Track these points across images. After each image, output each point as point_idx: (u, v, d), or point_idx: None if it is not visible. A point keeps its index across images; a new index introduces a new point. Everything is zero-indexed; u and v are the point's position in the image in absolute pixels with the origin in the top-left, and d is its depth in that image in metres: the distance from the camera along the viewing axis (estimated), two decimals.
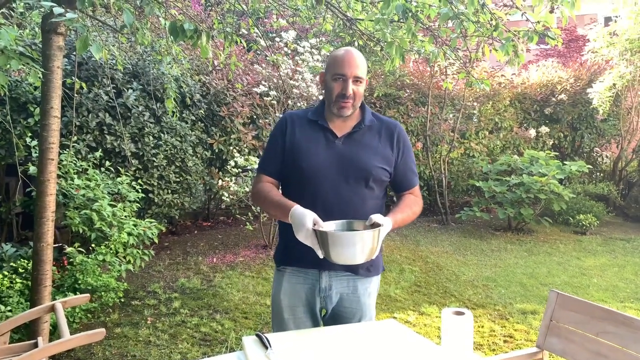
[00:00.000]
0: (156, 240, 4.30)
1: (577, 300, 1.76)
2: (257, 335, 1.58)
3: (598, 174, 9.43)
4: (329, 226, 1.62)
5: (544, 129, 8.80)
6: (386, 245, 6.05)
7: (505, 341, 3.56)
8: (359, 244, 1.50)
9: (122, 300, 3.66)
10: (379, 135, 1.84)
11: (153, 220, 4.31)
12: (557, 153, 7.87)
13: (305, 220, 1.57)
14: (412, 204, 1.86)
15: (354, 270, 1.82)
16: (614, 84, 7.84)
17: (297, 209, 1.62)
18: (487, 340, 3.57)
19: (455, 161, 8.19)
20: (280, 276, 1.88)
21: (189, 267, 5.08)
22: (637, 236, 7.04)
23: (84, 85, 4.54)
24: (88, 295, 2.24)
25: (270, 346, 1.50)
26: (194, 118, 6.09)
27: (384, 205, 1.91)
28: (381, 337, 1.65)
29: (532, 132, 8.73)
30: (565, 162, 7.11)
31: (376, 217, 1.62)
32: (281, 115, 1.93)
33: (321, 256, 1.56)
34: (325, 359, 1.46)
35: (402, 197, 1.90)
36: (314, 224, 1.57)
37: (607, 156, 9.67)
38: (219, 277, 4.80)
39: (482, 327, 3.81)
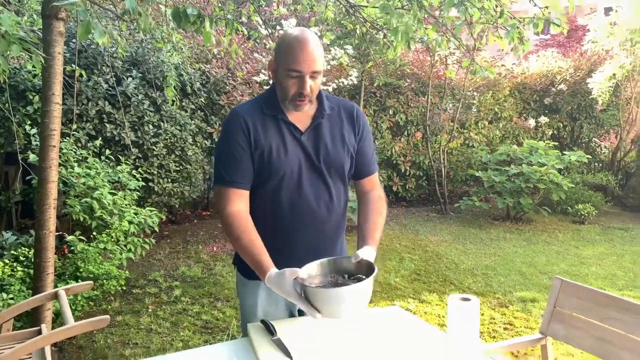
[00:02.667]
0: (157, 229, 4.30)
1: (581, 287, 1.77)
2: (262, 322, 1.59)
3: (596, 164, 9.44)
4: (311, 269, 1.47)
5: (544, 119, 8.79)
6: (385, 234, 6.07)
7: (505, 329, 3.59)
8: (350, 298, 1.35)
9: (124, 288, 3.66)
10: (341, 121, 1.67)
11: (153, 209, 4.31)
12: (556, 143, 7.87)
13: (285, 287, 1.38)
14: (380, 208, 1.68)
15: None
16: (614, 74, 7.83)
17: (272, 277, 1.43)
18: (487, 328, 3.59)
19: (455, 151, 8.19)
20: (255, 289, 1.68)
21: (189, 256, 5.08)
22: (635, 225, 7.06)
23: (83, 73, 4.51)
24: (91, 282, 2.24)
25: (276, 332, 1.50)
26: (193, 107, 6.07)
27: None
28: (386, 324, 1.66)
29: (532, 122, 8.73)
30: (564, 152, 7.12)
31: (362, 253, 1.47)
32: (230, 113, 1.64)
33: (318, 317, 1.35)
34: (331, 344, 1.46)
35: (365, 198, 1.71)
36: (297, 279, 1.38)
37: (605, 146, 9.68)
38: (220, 265, 4.80)
39: (482, 314, 3.83)
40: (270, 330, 1.52)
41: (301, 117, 1.63)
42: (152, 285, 4.24)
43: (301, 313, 1.73)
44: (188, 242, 5.57)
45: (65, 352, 3.10)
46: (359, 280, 1.41)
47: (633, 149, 8.96)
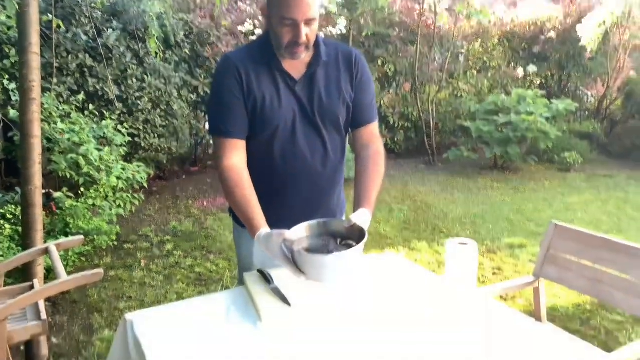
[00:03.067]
0: (145, 185, 4.25)
1: (575, 230, 1.79)
2: (259, 271, 1.58)
3: (583, 112, 9.47)
4: (300, 231, 1.42)
5: (532, 68, 8.73)
6: None
7: (494, 273, 3.66)
8: (337, 265, 1.31)
9: (115, 243, 3.65)
10: (338, 68, 1.58)
11: (141, 164, 4.25)
12: (544, 92, 7.85)
13: (273, 248, 1.35)
14: (378, 166, 1.59)
15: (331, 216, 1.72)
16: (604, 21, 7.73)
17: (261, 237, 1.39)
18: (478, 274, 3.66)
19: (443, 102, 8.14)
20: (251, 238, 1.52)
21: (179, 211, 5.07)
22: (619, 172, 7.16)
23: (61, 24, 4.32)
24: (82, 236, 2.21)
25: (273, 281, 1.50)
26: (177, 59, 5.90)
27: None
28: (383, 269, 1.67)
29: (520, 72, 8.66)
30: (552, 101, 7.10)
31: (356, 217, 1.40)
32: (221, 60, 1.56)
33: (302, 279, 1.33)
34: (329, 291, 1.46)
35: (362, 154, 1.61)
36: (284, 240, 1.34)
37: (592, 95, 9.69)
38: (211, 219, 4.80)
39: None
40: (267, 279, 1.52)
41: (296, 65, 1.54)
42: (143, 240, 4.24)
43: None
44: (178, 197, 5.54)
45: (60, 307, 3.11)
46: (349, 246, 1.37)
47: (619, 97, 8.98)
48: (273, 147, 1.57)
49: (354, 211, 1.46)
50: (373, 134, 1.66)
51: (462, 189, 6.20)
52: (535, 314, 1.90)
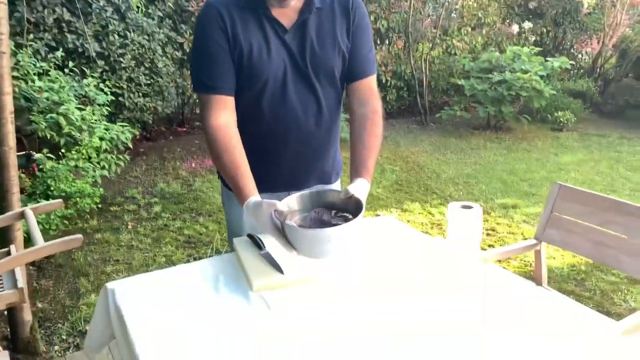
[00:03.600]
0: (130, 145, 4.11)
1: (581, 191, 1.71)
2: (249, 236, 1.49)
3: (577, 70, 9.33)
4: (292, 202, 1.30)
5: (527, 25, 8.51)
6: None
7: (488, 234, 3.62)
8: (331, 240, 1.18)
9: (100, 206, 3.54)
10: (333, 15, 1.42)
11: (125, 124, 4.09)
12: (540, 49, 7.68)
13: (262, 219, 1.23)
14: (375, 128, 1.43)
15: (325, 180, 1.62)
16: None
17: (250, 206, 1.27)
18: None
19: (437, 60, 7.94)
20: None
21: (167, 172, 4.95)
22: (611, 132, 7.11)
23: None
24: (61, 200, 2.10)
25: (264, 246, 1.41)
26: (161, 14, 5.63)
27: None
28: (381, 233, 1.59)
29: (515, 28, 8.45)
30: (547, 59, 6.96)
31: (354, 189, 1.27)
32: (204, 7, 1.40)
33: (293, 255, 1.21)
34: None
35: (358, 113, 1.45)
36: (275, 212, 1.23)
37: (586, 52, 9.53)
38: (199, 181, 4.69)
39: None
40: (258, 244, 1.44)
41: (286, 13, 1.39)
42: (130, 203, 4.13)
43: None
44: (165, 158, 5.41)
45: (45, 271, 3.03)
46: (345, 219, 1.26)
47: (614, 54, 8.84)
48: (261, 104, 1.44)
49: (351, 181, 1.34)
50: (371, 90, 1.50)
51: (455, 149, 6.12)
52: (535, 278, 1.84)
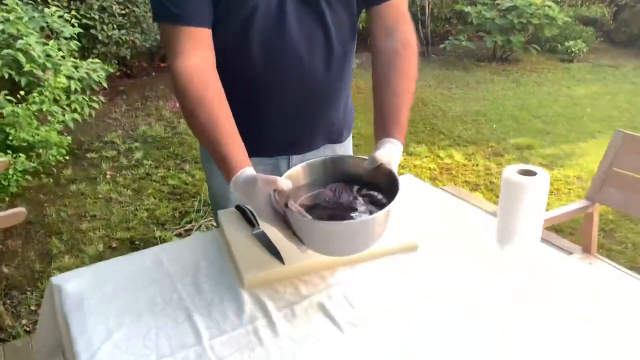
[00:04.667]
0: (105, 84, 3.68)
1: None
2: (238, 208, 1.15)
3: None
4: (298, 175, 0.94)
5: None
6: (364, 80, 5.55)
7: None
8: (362, 234, 0.85)
9: (66, 158, 3.17)
10: None
11: (97, 61, 3.64)
12: None
13: (257, 202, 0.86)
14: (409, 66, 1.05)
15: (335, 138, 1.25)
16: None
17: (239, 183, 0.90)
18: (484, 180, 3.32)
19: None
20: None
21: (149, 113, 4.53)
22: (625, 62, 6.66)
23: None
24: (5, 160, 1.73)
25: (257, 223, 1.08)
26: None
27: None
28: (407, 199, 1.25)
29: None
30: None
31: (382, 155, 0.91)
32: None
33: (302, 249, 0.88)
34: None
35: (386, 47, 1.07)
36: (275, 192, 0.86)
37: None
38: (185, 123, 4.29)
39: (477, 165, 3.53)
40: (249, 219, 1.10)
41: None
42: (109, 148, 3.76)
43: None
44: (147, 97, 4.96)
45: (12, 230, 2.70)
46: (375, 202, 0.91)
47: None
48: (249, 39, 1.04)
49: (377, 142, 0.97)
50: (401, 14, 1.09)
51: (460, 83, 5.69)
52: (584, 245, 1.54)
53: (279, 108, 1.13)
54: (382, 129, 0.98)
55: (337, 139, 1.25)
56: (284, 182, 0.86)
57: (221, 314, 0.90)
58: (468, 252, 1.05)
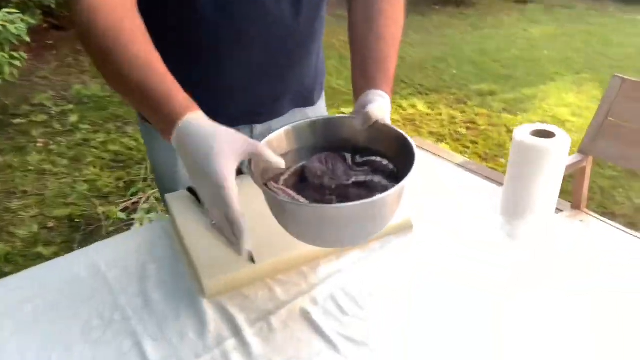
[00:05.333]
0: (27, 39, 3.24)
1: None
2: (190, 191, 0.93)
3: None
4: (280, 141, 0.73)
5: None
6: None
7: (468, 128, 3.20)
8: (363, 218, 0.63)
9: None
10: None
11: (15, 11, 3.19)
12: None
13: (217, 169, 0.57)
14: (395, 10, 0.85)
15: (305, 101, 1.03)
16: None
17: (193, 128, 0.60)
18: (449, 130, 3.18)
19: None
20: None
21: (83, 70, 4.09)
22: (577, 3, 6.62)
23: None
24: None
25: None
26: None
27: None
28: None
29: None
30: None
31: (375, 109, 0.70)
32: None
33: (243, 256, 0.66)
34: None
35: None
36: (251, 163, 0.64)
37: None
38: None
39: (441, 114, 3.39)
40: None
41: None
42: (39, 112, 3.36)
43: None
44: (80, 52, 4.47)
45: None
46: (375, 169, 0.71)
47: None
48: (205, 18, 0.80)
49: (360, 94, 0.75)
50: None
51: (417, 28, 5.46)
52: (574, 200, 1.42)
53: (236, 67, 0.88)
54: (365, 79, 0.77)
55: (308, 101, 1.03)
56: (262, 149, 0.62)
57: (178, 335, 0.70)
58: (467, 227, 0.89)
